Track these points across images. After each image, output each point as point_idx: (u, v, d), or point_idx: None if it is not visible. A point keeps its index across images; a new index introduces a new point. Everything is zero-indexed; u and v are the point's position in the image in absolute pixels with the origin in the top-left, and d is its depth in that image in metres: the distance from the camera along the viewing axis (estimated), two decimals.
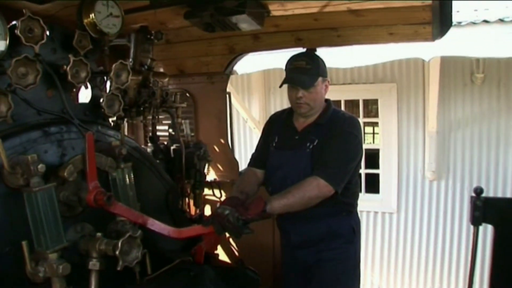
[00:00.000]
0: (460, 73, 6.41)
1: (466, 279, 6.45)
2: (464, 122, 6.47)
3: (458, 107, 6.49)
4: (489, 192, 6.25)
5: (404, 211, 6.89)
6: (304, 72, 2.91)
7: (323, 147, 2.87)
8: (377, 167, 7.03)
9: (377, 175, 7.06)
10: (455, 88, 6.46)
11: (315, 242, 2.99)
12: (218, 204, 2.74)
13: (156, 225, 2.33)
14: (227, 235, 3.99)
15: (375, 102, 7.08)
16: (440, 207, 6.68)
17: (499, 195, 6.28)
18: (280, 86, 3.03)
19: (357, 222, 3.13)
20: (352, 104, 7.28)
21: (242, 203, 2.74)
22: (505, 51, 5.25)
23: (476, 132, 6.41)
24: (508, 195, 6.25)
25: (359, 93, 6.98)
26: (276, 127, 3.19)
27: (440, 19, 3.08)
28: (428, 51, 5.42)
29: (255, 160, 3.24)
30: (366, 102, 7.24)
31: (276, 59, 5.83)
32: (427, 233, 6.76)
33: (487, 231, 3.48)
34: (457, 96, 6.47)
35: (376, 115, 7.11)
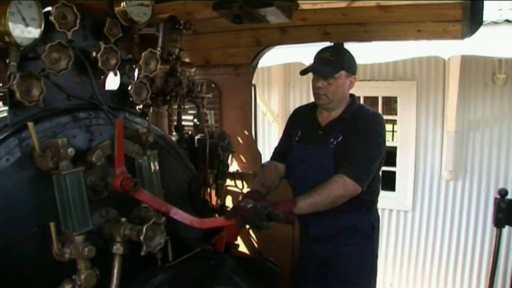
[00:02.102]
0: (482, 73, 6.30)
1: (478, 280, 6.50)
2: (483, 122, 6.37)
3: (478, 107, 6.39)
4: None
5: (419, 210, 6.84)
6: (326, 63, 2.89)
7: (347, 143, 2.85)
8: (393, 164, 6.96)
9: (393, 173, 7.00)
10: (476, 88, 6.36)
11: (333, 237, 2.98)
12: (240, 197, 2.75)
13: (179, 214, 2.36)
14: (247, 226, 4.05)
15: (395, 99, 7.02)
16: (456, 208, 6.60)
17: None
18: (302, 74, 3.01)
19: (377, 219, 3.11)
20: (371, 101, 7.20)
21: (263, 197, 2.76)
22: None
23: (495, 133, 6.31)
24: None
25: (379, 90, 6.93)
26: (300, 121, 3.18)
27: (470, 17, 3.03)
28: (448, 49, 5.35)
29: (277, 154, 3.24)
30: (386, 99, 7.18)
31: (297, 53, 5.87)
32: (441, 233, 6.69)
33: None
34: (477, 96, 6.37)
35: (395, 113, 7.05)
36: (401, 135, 6.98)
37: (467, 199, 6.52)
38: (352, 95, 3.09)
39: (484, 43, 5.06)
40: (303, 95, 7.46)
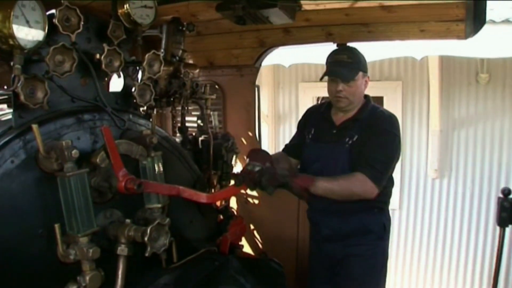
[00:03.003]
0: (465, 72, 6.40)
1: (464, 278, 6.58)
2: (468, 121, 6.46)
3: (462, 107, 6.49)
4: (491, 193, 6.28)
5: (406, 208, 6.89)
6: (345, 66, 2.90)
7: (363, 144, 2.86)
8: None
9: None
10: (460, 87, 6.47)
11: (344, 237, 3.00)
12: (247, 160, 2.68)
13: (187, 192, 2.30)
14: (252, 227, 4.06)
15: (381, 99, 6.97)
16: (442, 206, 6.70)
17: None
18: (321, 79, 3.03)
19: (388, 220, 3.13)
20: None
21: (269, 157, 2.72)
22: (509, 51, 5.21)
23: (480, 132, 6.40)
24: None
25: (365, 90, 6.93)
26: (313, 120, 3.20)
27: (473, 17, 3.02)
28: (432, 50, 5.44)
29: (288, 148, 3.30)
30: (372, 99, 7.17)
31: (286, 55, 5.96)
32: (428, 230, 6.76)
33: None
34: (461, 95, 6.47)
35: None
36: None
37: (453, 197, 6.62)
38: (366, 95, 3.11)
39: (466, 43, 5.13)
40: (292, 96, 7.60)
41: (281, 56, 6.07)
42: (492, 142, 6.32)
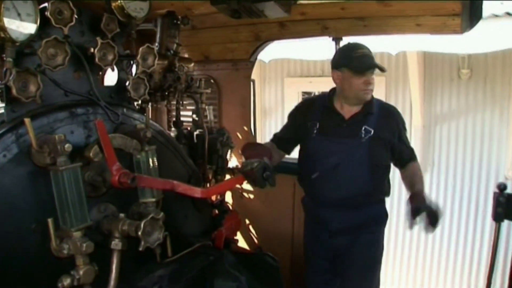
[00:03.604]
0: (447, 68, 6.48)
1: (446, 271, 6.72)
2: (450, 116, 6.56)
3: (444, 102, 6.57)
4: (472, 186, 6.41)
5: (389, 202, 6.88)
6: (372, 58, 2.92)
7: (384, 137, 2.98)
8: None
9: None
10: (442, 83, 6.55)
11: (354, 229, 3.07)
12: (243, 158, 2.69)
13: (182, 186, 2.30)
14: (247, 221, 4.06)
15: None
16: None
17: (482, 189, 6.39)
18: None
19: (385, 208, 3.28)
20: None
21: (268, 151, 2.76)
22: (489, 46, 5.30)
23: (461, 126, 6.50)
24: (491, 190, 6.18)
25: None
26: (315, 113, 3.13)
27: (470, 11, 3.02)
28: (412, 45, 5.52)
29: (279, 140, 3.24)
30: None
31: (270, 51, 5.90)
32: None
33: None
34: (444, 91, 6.56)
35: None
36: None
37: (435, 191, 6.70)
38: None
39: (447, 38, 5.19)
40: (278, 90, 7.69)
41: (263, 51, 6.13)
42: (474, 137, 6.44)
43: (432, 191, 6.70)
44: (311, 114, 3.15)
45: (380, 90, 6.69)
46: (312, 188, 3.12)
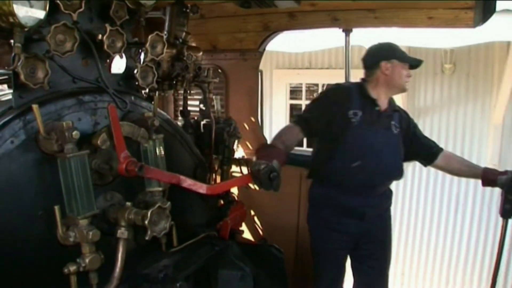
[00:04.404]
0: (431, 62, 6.63)
1: (426, 263, 6.94)
2: (432, 109, 6.74)
3: (428, 96, 6.77)
4: (453, 179, 6.51)
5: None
6: None
7: (408, 134, 3.24)
8: None
9: None
10: (426, 78, 6.75)
11: (384, 212, 3.35)
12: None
13: (188, 182, 2.29)
14: (252, 213, 4.05)
15: None
16: (406, 193, 6.98)
17: (463, 182, 6.56)
18: (413, 68, 3.15)
19: None
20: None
21: (283, 153, 2.78)
22: (472, 39, 5.44)
23: (443, 120, 6.70)
24: (472, 183, 6.48)
25: (337, 78, 6.94)
26: (355, 102, 3.08)
27: (483, 5, 2.98)
28: (397, 39, 5.44)
29: (308, 125, 3.08)
30: None
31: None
32: (393, 217, 7.00)
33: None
34: (427, 85, 6.77)
35: None
36: None
37: (417, 184, 6.91)
38: None
39: (431, 34, 5.24)
40: (266, 82, 7.76)
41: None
42: (455, 130, 6.66)
43: (414, 184, 6.95)
44: (351, 103, 3.08)
45: None
46: (350, 177, 3.05)
